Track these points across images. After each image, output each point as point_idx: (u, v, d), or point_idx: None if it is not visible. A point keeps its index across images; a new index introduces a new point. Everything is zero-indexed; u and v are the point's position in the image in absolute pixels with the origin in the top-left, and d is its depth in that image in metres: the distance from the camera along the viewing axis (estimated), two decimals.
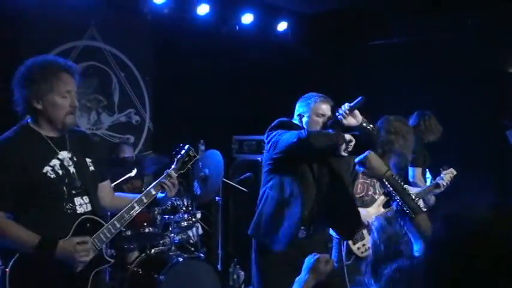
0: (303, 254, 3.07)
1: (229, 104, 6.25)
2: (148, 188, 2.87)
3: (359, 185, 4.18)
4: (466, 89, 5.74)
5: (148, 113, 5.91)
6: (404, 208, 2.18)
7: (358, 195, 4.21)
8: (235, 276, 5.39)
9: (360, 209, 4.16)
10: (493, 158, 5.76)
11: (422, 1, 5.87)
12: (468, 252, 1.04)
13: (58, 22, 5.10)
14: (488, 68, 5.57)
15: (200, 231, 4.94)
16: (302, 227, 3.35)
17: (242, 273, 5.40)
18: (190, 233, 4.78)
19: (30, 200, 2.54)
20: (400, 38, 6.37)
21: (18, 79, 2.59)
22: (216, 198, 5.10)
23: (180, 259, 4.17)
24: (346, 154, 3.33)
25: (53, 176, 2.57)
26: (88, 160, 2.77)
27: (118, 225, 2.75)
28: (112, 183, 4.04)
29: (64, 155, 2.66)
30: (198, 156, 3.14)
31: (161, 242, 4.50)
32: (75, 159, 2.69)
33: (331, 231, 4.00)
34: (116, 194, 3.06)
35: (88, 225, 2.65)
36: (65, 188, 2.61)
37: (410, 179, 5.02)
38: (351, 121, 3.22)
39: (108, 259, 2.78)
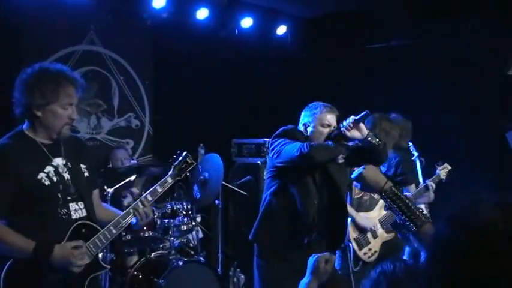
0: (307, 257, 3.09)
1: (229, 108, 6.26)
2: (135, 202, 2.89)
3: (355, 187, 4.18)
4: (465, 92, 5.75)
5: (148, 117, 5.91)
6: (407, 223, 2.12)
7: (356, 196, 4.21)
8: (235, 280, 5.39)
9: (362, 214, 4.17)
10: (492, 160, 5.76)
11: (421, 4, 5.89)
12: (473, 253, 1.03)
13: (58, 27, 5.12)
14: (488, 71, 5.58)
15: (200, 234, 4.95)
16: (304, 234, 3.35)
17: (242, 276, 5.39)
18: (190, 236, 4.79)
19: (25, 206, 2.54)
20: (399, 42, 6.38)
21: (23, 83, 2.59)
22: (216, 201, 5.10)
23: (180, 263, 4.17)
24: (342, 160, 3.34)
25: (47, 182, 2.58)
26: (82, 166, 2.78)
27: (114, 231, 2.75)
28: (111, 188, 4.07)
29: (58, 161, 2.67)
30: (195, 163, 3.15)
31: (161, 245, 4.50)
32: (69, 166, 2.70)
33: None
34: (103, 205, 3.07)
35: (83, 230, 2.66)
36: (59, 195, 2.61)
37: None
38: (355, 134, 3.22)
39: (104, 265, 2.79)
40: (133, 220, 2.89)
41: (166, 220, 4.42)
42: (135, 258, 4.51)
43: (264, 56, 6.46)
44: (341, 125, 3.25)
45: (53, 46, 5.12)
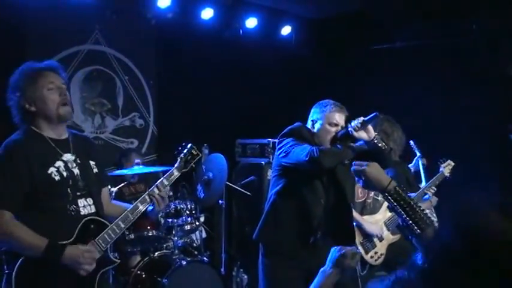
0: (312, 256, 3.08)
1: (233, 108, 6.26)
2: (143, 195, 2.88)
3: (359, 189, 4.17)
4: (469, 94, 5.73)
5: (152, 117, 5.93)
6: (411, 225, 2.06)
7: (359, 200, 4.20)
8: (238, 280, 5.39)
9: (367, 217, 4.16)
10: (495, 162, 5.75)
11: (425, 5, 5.88)
12: (476, 259, 1.03)
13: (63, 26, 5.14)
14: (491, 72, 5.57)
15: (203, 234, 4.95)
16: (310, 233, 3.35)
17: (245, 276, 5.40)
18: (193, 236, 4.79)
19: (35, 202, 2.56)
20: (403, 43, 6.37)
21: (9, 90, 2.68)
22: (220, 201, 5.10)
23: (184, 262, 4.17)
24: (348, 161, 3.33)
25: (57, 177, 2.60)
26: (92, 162, 2.80)
27: (122, 226, 2.77)
28: (115, 187, 4.09)
29: (68, 157, 2.69)
30: (201, 155, 3.14)
31: (164, 245, 4.50)
32: (78, 161, 2.72)
33: None
34: (112, 201, 3.09)
35: (92, 226, 2.68)
36: (69, 190, 2.63)
37: None
38: (362, 135, 3.21)
39: (114, 259, 2.80)
40: (150, 207, 2.90)
41: (170, 220, 4.43)
42: (138, 257, 4.52)
43: (269, 56, 6.46)
44: (349, 125, 3.24)
45: (58, 46, 5.15)
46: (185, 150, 3.05)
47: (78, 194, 2.67)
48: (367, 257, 4.09)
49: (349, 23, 6.51)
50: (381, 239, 4.17)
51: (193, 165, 3.09)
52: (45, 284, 2.55)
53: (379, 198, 4.27)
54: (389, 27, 6.37)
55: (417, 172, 4.72)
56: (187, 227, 4.53)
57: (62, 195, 2.61)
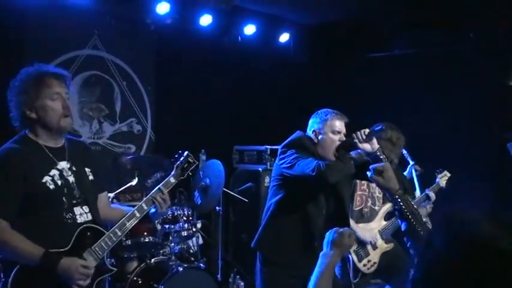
0: (312, 264, 3.09)
1: (231, 114, 6.27)
2: (140, 203, 2.88)
3: (357, 197, 4.19)
4: (466, 102, 5.76)
5: (149, 123, 5.93)
6: (417, 227, 2.07)
7: (357, 208, 4.21)
8: (235, 286, 5.38)
9: (362, 225, 4.17)
10: (492, 170, 5.76)
11: (423, 13, 5.90)
12: (467, 264, 1.03)
13: (61, 31, 5.14)
14: (489, 80, 5.59)
15: (200, 241, 4.94)
16: (310, 243, 3.35)
17: (242, 283, 5.38)
18: (190, 242, 4.78)
19: (30, 210, 2.54)
20: (401, 51, 6.39)
21: (9, 94, 2.64)
22: (217, 208, 5.10)
23: (180, 269, 4.16)
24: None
25: (52, 186, 2.58)
26: (87, 169, 2.78)
27: (119, 233, 2.75)
28: (112, 192, 4.08)
29: (63, 165, 2.67)
30: (197, 163, 3.15)
31: (161, 251, 4.49)
32: (74, 169, 2.70)
33: None
34: (112, 205, 3.08)
35: (89, 234, 2.66)
36: (64, 198, 2.61)
37: None
38: (365, 147, 3.21)
39: (111, 268, 2.79)
40: (152, 209, 2.90)
41: (167, 226, 4.42)
42: (134, 263, 4.50)
43: (267, 63, 6.48)
44: (354, 135, 3.25)
45: (57, 50, 5.14)
46: (182, 158, 3.06)
47: (74, 202, 2.65)
48: (360, 265, 4.09)
49: (347, 30, 6.53)
50: (374, 247, 4.17)
51: (190, 173, 3.10)
52: None
53: (376, 207, 4.28)
54: (388, 35, 6.40)
55: (411, 180, 4.74)
56: (184, 233, 4.52)
57: (57, 203, 2.59)
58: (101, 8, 5.22)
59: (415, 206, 2.16)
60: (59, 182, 2.61)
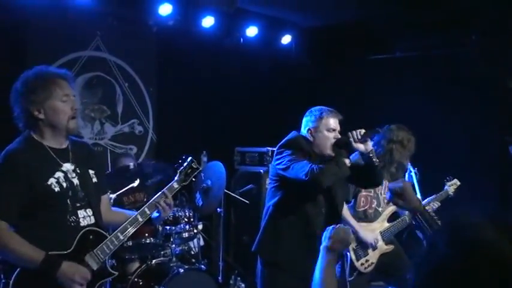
0: (310, 267, 3.09)
1: (232, 116, 6.27)
2: (143, 207, 2.88)
3: (362, 198, 4.18)
4: (468, 104, 5.75)
5: (151, 124, 5.93)
6: None
7: (361, 209, 4.21)
8: None
9: (364, 224, 4.16)
10: (494, 173, 5.76)
11: (424, 16, 5.90)
12: (468, 268, 1.03)
13: (63, 32, 5.15)
14: (490, 83, 5.59)
15: (201, 242, 4.94)
16: (311, 243, 3.35)
17: (243, 285, 5.38)
18: (191, 244, 4.78)
19: (34, 213, 2.54)
20: (402, 53, 6.39)
21: (16, 93, 2.61)
22: (218, 209, 5.10)
23: (181, 270, 4.16)
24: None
25: (57, 189, 2.57)
26: (91, 172, 2.78)
27: (121, 237, 2.75)
28: (114, 193, 4.08)
29: (67, 167, 2.66)
30: (200, 168, 3.15)
31: (162, 252, 4.49)
32: (78, 171, 2.69)
33: None
34: (113, 208, 3.07)
35: (91, 237, 2.66)
36: (68, 201, 2.61)
37: None
38: (359, 146, 3.25)
39: (112, 271, 2.79)
40: (155, 214, 2.90)
41: (168, 227, 4.42)
42: (136, 264, 4.50)
43: (269, 65, 6.49)
44: (350, 134, 3.26)
45: (59, 51, 5.15)
46: (185, 164, 3.06)
47: (78, 205, 2.65)
48: (358, 264, 4.09)
49: (349, 32, 6.53)
50: (374, 248, 4.17)
51: (193, 179, 3.10)
52: None
53: (380, 208, 4.28)
54: (389, 37, 6.40)
55: (412, 185, 4.73)
56: (185, 235, 4.52)
57: (61, 206, 2.59)
58: (103, 9, 5.23)
59: (434, 218, 2.18)
60: (64, 184, 2.61)
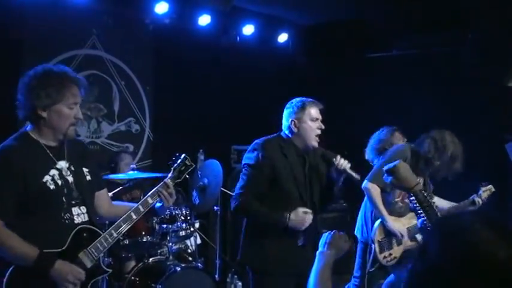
0: (301, 260, 3.10)
1: (229, 114, 6.27)
2: (145, 197, 2.87)
3: (398, 190, 4.11)
4: (465, 102, 5.76)
5: (148, 122, 5.93)
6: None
7: (396, 199, 4.16)
8: (232, 286, 5.38)
9: (392, 217, 4.13)
10: (492, 171, 5.76)
11: (422, 14, 5.91)
12: (463, 272, 1.02)
13: (60, 31, 5.14)
14: (488, 81, 5.60)
15: (198, 240, 4.93)
16: (297, 239, 3.34)
17: (240, 283, 5.38)
18: (188, 242, 4.78)
19: (29, 210, 2.53)
20: (399, 51, 6.40)
21: (27, 85, 2.57)
22: (215, 207, 5.10)
23: (178, 268, 4.16)
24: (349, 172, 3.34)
25: (52, 186, 2.57)
26: (85, 170, 2.77)
27: (115, 235, 2.74)
28: (110, 192, 4.07)
29: (62, 164, 2.66)
30: (194, 165, 3.14)
31: (159, 251, 4.49)
32: (72, 169, 2.69)
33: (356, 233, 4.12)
34: (114, 202, 3.06)
35: (85, 234, 2.65)
36: (63, 199, 2.61)
37: None
38: (338, 171, 3.31)
39: (106, 269, 2.78)
40: (158, 204, 2.90)
41: (165, 225, 4.41)
42: (132, 263, 4.50)
43: (265, 63, 6.48)
44: (337, 158, 3.31)
45: (55, 50, 5.14)
46: (179, 161, 3.05)
47: (73, 202, 2.65)
48: (380, 256, 4.06)
49: (346, 31, 6.54)
50: (399, 243, 4.13)
51: (187, 176, 3.09)
52: None
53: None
54: (387, 35, 6.40)
55: None
56: (182, 233, 4.52)
57: (56, 204, 2.58)
58: (100, 7, 5.23)
59: (430, 202, 2.19)
60: (59, 182, 2.60)
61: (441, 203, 4.36)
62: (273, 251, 3.31)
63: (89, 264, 2.63)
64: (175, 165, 3.03)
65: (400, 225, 4.12)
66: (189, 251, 4.76)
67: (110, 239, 2.72)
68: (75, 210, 2.65)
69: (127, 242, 4.29)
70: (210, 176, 4.52)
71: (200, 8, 5.76)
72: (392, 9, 5.93)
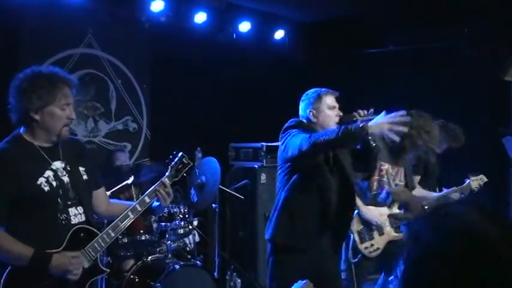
0: (323, 250, 3.21)
1: (226, 112, 6.27)
2: (142, 196, 2.87)
3: (374, 182, 4.12)
4: (461, 97, 5.77)
5: (145, 121, 5.92)
6: None
7: (373, 192, 4.16)
8: (232, 284, 5.39)
9: (372, 208, 4.13)
10: (488, 165, 5.78)
11: (418, 9, 5.91)
12: (452, 254, 1.03)
13: (56, 30, 5.13)
14: (484, 75, 5.61)
15: (197, 238, 4.93)
16: (326, 225, 3.37)
17: (239, 280, 5.39)
18: (186, 240, 4.78)
19: (24, 211, 2.53)
20: (395, 47, 6.40)
21: (18, 88, 2.57)
22: (213, 205, 5.10)
23: (177, 266, 4.16)
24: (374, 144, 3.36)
25: (47, 188, 2.56)
26: (81, 169, 2.76)
27: (112, 234, 2.74)
28: (108, 191, 4.07)
29: (57, 165, 2.65)
30: (192, 164, 3.14)
31: (158, 249, 4.49)
32: (68, 169, 2.68)
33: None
34: (111, 200, 3.06)
35: (82, 235, 2.65)
36: (59, 200, 2.60)
37: None
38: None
39: (104, 269, 2.78)
40: (155, 203, 2.89)
41: (163, 223, 4.42)
42: (131, 261, 4.51)
43: (262, 60, 6.48)
44: (355, 113, 3.30)
45: (51, 49, 5.13)
46: (176, 159, 3.04)
47: (69, 203, 2.64)
48: (361, 247, 4.04)
49: (342, 27, 6.54)
50: (381, 233, 4.09)
51: (185, 174, 3.09)
52: None
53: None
54: (382, 31, 6.41)
55: None
56: (181, 231, 4.52)
57: (51, 205, 2.58)
58: (95, 6, 5.21)
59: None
60: (54, 184, 2.60)
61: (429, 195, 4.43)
62: (304, 228, 3.33)
63: (86, 264, 2.63)
64: (173, 163, 3.03)
65: (376, 213, 4.08)
66: (188, 248, 4.76)
67: (107, 239, 2.71)
68: (71, 210, 2.65)
69: (125, 241, 4.30)
70: (208, 173, 4.52)
71: (196, 5, 5.75)
72: (387, 5, 5.93)
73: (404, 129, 3.03)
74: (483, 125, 5.70)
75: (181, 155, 3.07)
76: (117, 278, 4.31)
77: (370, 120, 3.15)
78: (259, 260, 5.68)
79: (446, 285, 1.02)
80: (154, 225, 4.39)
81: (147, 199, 2.86)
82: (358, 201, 4.00)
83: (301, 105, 3.53)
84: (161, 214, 4.39)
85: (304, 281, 2.20)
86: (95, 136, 5.54)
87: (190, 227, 4.61)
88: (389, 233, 4.11)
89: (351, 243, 4.00)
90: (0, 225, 2.49)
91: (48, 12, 4.97)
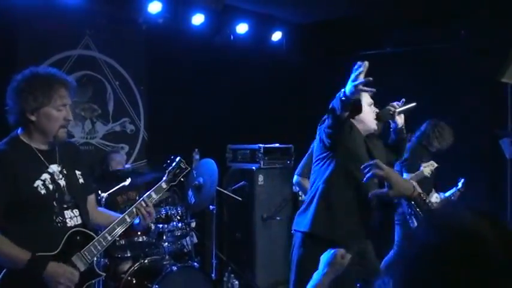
0: (369, 233, 3.28)
1: (224, 113, 6.27)
2: (123, 215, 2.85)
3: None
4: (458, 99, 5.78)
5: (142, 122, 5.92)
6: None
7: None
8: (229, 285, 5.39)
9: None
10: (484, 166, 5.79)
11: (414, 11, 5.92)
12: (450, 256, 1.03)
13: (53, 31, 5.12)
14: (480, 77, 5.62)
15: (194, 240, 4.94)
16: (368, 216, 3.35)
17: (236, 282, 5.39)
18: (184, 241, 4.78)
19: (20, 214, 2.52)
20: (392, 48, 6.41)
21: (15, 89, 2.57)
22: (210, 207, 5.10)
23: (174, 268, 4.16)
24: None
25: (43, 191, 2.56)
26: (77, 172, 2.77)
27: (109, 238, 2.74)
28: (105, 192, 4.07)
29: (54, 168, 2.65)
30: (189, 168, 3.13)
31: (155, 251, 4.49)
32: (65, 172, 2.68)
33: None
34: (99, 209, 3.05)
35: (78, 238, 2.65)
36: (55, 203, 2.60)
37: None
38: (398, 119, 3.49)
39: (100, 272, 2.77)
40: (136, 220, 2.88)
41: (161, 225, 4.42)
42: (128, 263, 4.50)
43: (259, 62, 6.48)
44: (391, 106, 3.46)
45: (48, 51, 5.13)
46: (173, 164, 3.04)
47: (65, 206, 2.64)
48: None
49: (339, 28, 6.54)
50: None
51: (182, 179, 3.08)
52: None
53: None
54: (379, 32, 6.41)
55: None
56: (178, 233, 4.52)
57: (47, 208, 2.57)
58: (93, 7, 5.21)
59: (427, 203, 2.18)
60: (50, 187, 2.59)
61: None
62: (345, 221, 3.28)
63: (82, 268, 2.62)
64: (170, 168, 3.03)
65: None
66: (185, 250, 4.76)
67: (104, 242, 2.71)
68: (67, 213, 2.64)
69: (123, 242, 4.30)
70: (206, 175, 4.53)
71: (193, 7, 5.75)
72: (384, 6, 5.94)
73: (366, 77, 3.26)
74: (480, 126, 5.71)
75: (179, 159, 3.06)
76: (114, 279, 4.31)
77: (407, 110, 3.47)
78: (256, 261, 5.69)
79: (441, 285, 1.02)
80: (152, 227, 4.38)
81: (127, 218, 2.82)
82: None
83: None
84: (159, 215, 4.40)
85: (334, 250, 2.23)
86: (93, 138, 5.53)
87: (188, 228, 4.61)
88: None
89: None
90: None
91: (46, 14, 4.97)
